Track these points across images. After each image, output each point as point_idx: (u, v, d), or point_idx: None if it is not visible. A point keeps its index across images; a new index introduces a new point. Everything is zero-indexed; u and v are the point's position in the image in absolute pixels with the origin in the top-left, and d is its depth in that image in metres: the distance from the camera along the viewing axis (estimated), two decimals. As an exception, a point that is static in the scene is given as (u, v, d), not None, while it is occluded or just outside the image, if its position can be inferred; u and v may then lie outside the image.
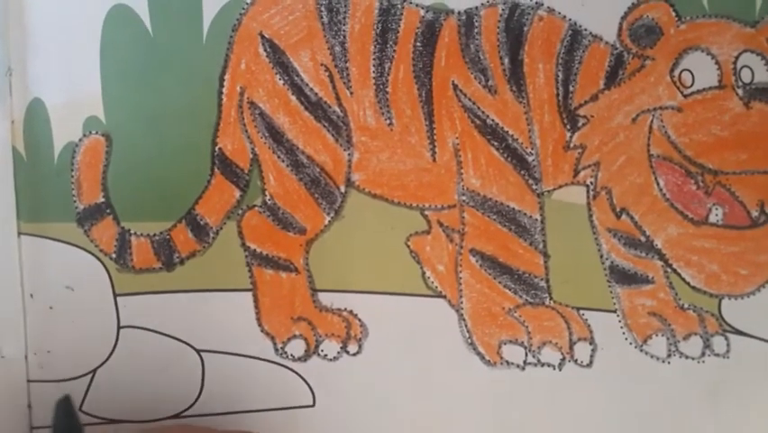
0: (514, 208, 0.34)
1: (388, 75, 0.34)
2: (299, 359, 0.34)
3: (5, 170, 0.33)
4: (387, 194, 0.34)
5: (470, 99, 0.34)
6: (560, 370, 0.35)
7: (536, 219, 0.34)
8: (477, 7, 0.34)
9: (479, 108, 0.34)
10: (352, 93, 0.34)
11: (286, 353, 0.34)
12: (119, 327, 0.33)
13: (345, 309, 0.34)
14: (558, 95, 0.34)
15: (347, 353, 0.34)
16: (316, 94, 0.34)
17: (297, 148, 0.34)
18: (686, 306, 0.35)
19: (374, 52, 0.34)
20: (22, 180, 0.33)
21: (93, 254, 0.33)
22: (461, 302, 0.34)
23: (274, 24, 0.33)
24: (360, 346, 0.34)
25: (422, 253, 0.34)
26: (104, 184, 0.33)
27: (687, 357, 0.35)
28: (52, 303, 0.33)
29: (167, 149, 0.33)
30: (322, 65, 0.33)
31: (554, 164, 0.34)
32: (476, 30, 0.34)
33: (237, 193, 0.34)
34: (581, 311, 0.35)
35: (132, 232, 0.33)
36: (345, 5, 0.33)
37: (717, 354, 0.35)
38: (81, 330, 0.33)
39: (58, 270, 0.33)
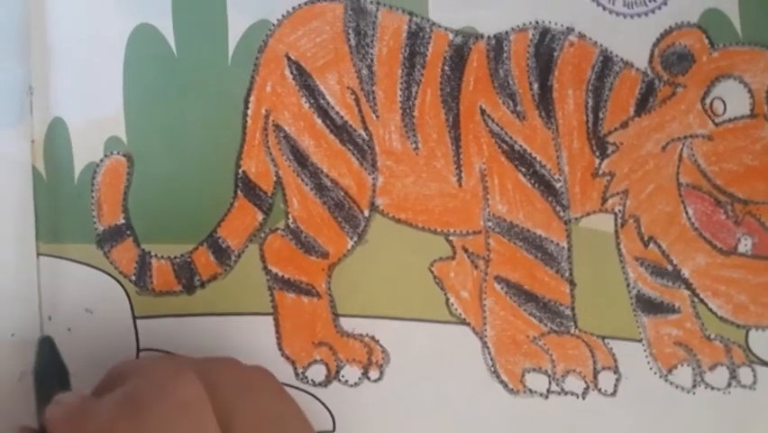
0: (540, 235, 0.35)
1: (415, 99, 0.35)
2: (320, 384, 0.35)
3: (25, 190, 0.33)
4: (411, 219, 0.35)
5: (497, 124, 0.35)
6: (583, 399, 0.35)
7: (563, 247, 0.35)
8: (507, 32, 0.35)
9: (506, 134, 0.35)
10: (378, 117, 0.34)
11: (306, 378, 0.35)
12: (138, 351, 0.34)
13: (367, 335, 0.35)
14: (587, 121, 0.35)
15: (368, 379, 0.35)
16: (342, 117, 0.34)
17: (322, 171, 0.34)
18: (712, 336, 0.36)
19: (401, 76, 0.34)
20: (41, 201, 0.34)
21: (112, 276, 0.34)
22: (485, 330, 0.35)
23: (301, 46, 0.34)
24: (381, 373, 0.35)
25: (446, 280, 0.35)
26: (124, 205, 0.34)
27: (713, 388, 0.36)
28: (71, 325, 0.34)
29: (189, 170, 0.34)
30: (348, 88, 0.34)
31: (582, 191, 0.35)
32: (505, 54, 0.35)
33: (260, 216, 0.34)
34: (606, 340, 0.35)
35: (152, 254, 0.34)
36: (373, 28, 0.34)
37: (744, 386, 0.36)
38: (100, 353, 0.34)
39: (77, 292, 0.34)
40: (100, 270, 0.34)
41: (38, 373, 0.28)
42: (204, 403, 0.24)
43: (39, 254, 0.34)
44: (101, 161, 0.34)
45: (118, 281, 0.34)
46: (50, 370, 0.28)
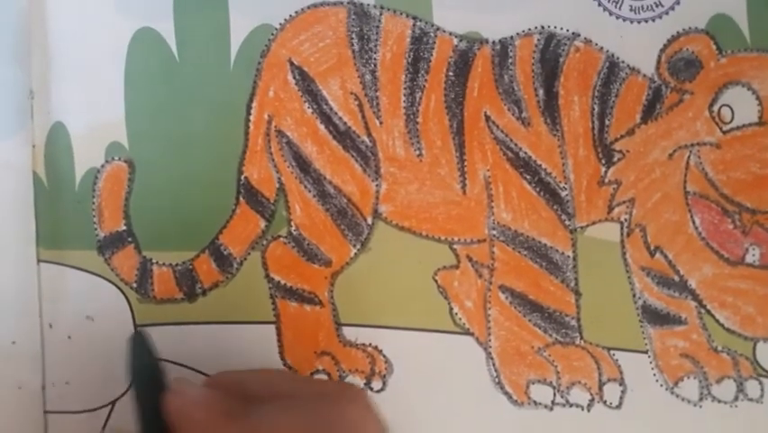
0: (546, 244, 0.35)
1: (419, 105, 0.34)
2: (322, 394, 0.34)
3: (26, 196, 0.33)
4: (415, 226, 0.35)
5: (502, 131, 0.34)
6: (588, 411, 0.35)
7: (568, 256, 0.35)
8: (512, 37, 0.35)
9: (511, 140, 0.35)
10: (381, 123, 0.34)
11: (308, 387, 0.34)
12: (139, 359, 0.34)
13: (370, 345, 0.35)
14: (593, 128, 0.35)
15: (371, 389, 0.35)
16: (345, 123, 0.34)
17: (325, 178, 0.34)
18: (719, 348, 0.35)
19: (405, 81, 0.34)
20: (42, 206, 0.34)
21: (113, 283, 0.34)
22: (490, 340, 0.35)
23: (303, 51, 0.34)
24: (384, 383, 0.35)
25: (450, 289, 0.35)
26: (125, 212, 0.34)
27: (719, 401, 0.35)
28: (71, 333, 0.34)
29: (191, 177, 0.34)
30: (351, 93, 0.34)
31: (588, 200, 0.35)
32: (510, 60, 0.34)
33: (262, 223, 0.34)
34: (612, 351, 0.35)
35: (153, 261, 0.34)
36: (377, 33, 0.34)
37: (751, 399, 0.35)
38: (101, 361, 0.34)
39: (77, 299, 0.34)
40: (101, 276, 0.34)
41: (135, 369, 0.27)
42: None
43: (39, 261, 0.34)
44: (102, 166, 0.34)
45: (119, 288, 0.34)
46: (148, 365, 0.27)
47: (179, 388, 0.26)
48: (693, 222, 0.35)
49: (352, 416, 0.25)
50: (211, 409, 0.25)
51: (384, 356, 0.35)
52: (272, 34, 0.34)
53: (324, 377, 0.35)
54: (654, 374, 0.35)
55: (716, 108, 0.35)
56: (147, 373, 0.27)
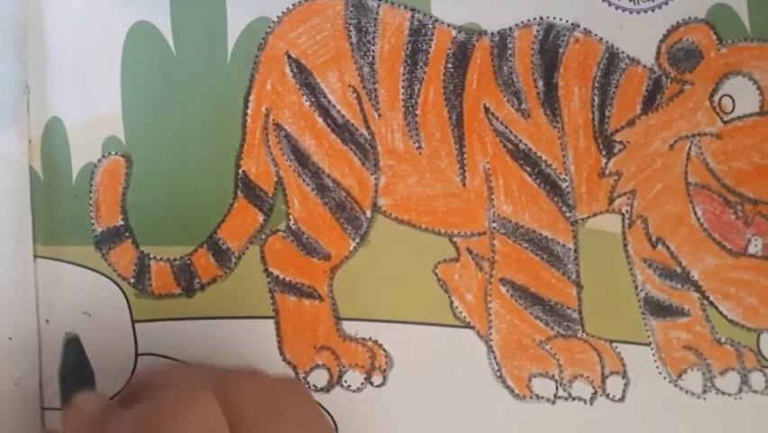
0: (546, 236, 0.35)
1: (418, 97, 0.34)
2: (322, 389, 0.35)
3: (22, 191, 0.34)
4: (414, 220, 0.35)
5: (502, 123, 0.34)
6: (591, 404, 0.35)
7: (569, 248, 0.35)
8: (511, 28, 0.35)
9: (511, 132, 0.35)
10: (380, 115, 0.34)
11: (308, 383, 0.35)
12: (137, 355, 0.34)
13: (370, 339, 0.35)
14: (593, 119, 0.35)
15: (371, 384, 0.35)
16: (343, 116, 0.34)
17: (323, 171, 0.34)
18: (723, 340, 0.35)
19: (404, 74, 0.34)
20: (38, 202, 0.34)
21: (111, 279, 0.34)
22: (491, 333, 0.35)
23: (301, 44, 0.34)
24: (384, 377, 0.35)
25: (450, 282, 0.35)
26: (123, 206, 0.34)
27: (723, 393, 0.35)
28: (68, 329, 0.34)
29: (188, 171, 0.34)
30: (350, 86, 0.34)
31: (589, 191, 0.35)
32: (509, 51, 0.34)
33: (260, 217, 0.34)
34: (614, 344, 0.35)
35: (151, 256, 0.34)
36: (375, 25, 0.34)
37: (755, 391, 0.35)
38: (98, 357, 0.34)
39: (74, 294, 0.34)
40: (98, 272, 0.34)
41: (62, 373, 0.29)
42: (220, 428, 0.24)
43: (36, 256, 0.34)
44: (99, 161, 0.34)
45: (117, 284, 0.34)
46: (74, 370, 0.29)
47: (80, 401, 0.28)
48: (695, 213, 0.35)
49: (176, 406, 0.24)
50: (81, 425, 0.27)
51: (384, 350, 0.35)
52: (269, 27, 0.34)
53: (324, 372, 0.35)
54: (657, 367, 0.35)
55: (716, 98, 0.35)
56: (73, 378, 0.29)
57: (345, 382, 0.35)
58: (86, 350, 0.33)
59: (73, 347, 0.30)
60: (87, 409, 0.27)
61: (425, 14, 0.35)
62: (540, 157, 0.35)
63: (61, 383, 0.29)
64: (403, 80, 0.35)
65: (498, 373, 0.35)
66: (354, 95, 0.34)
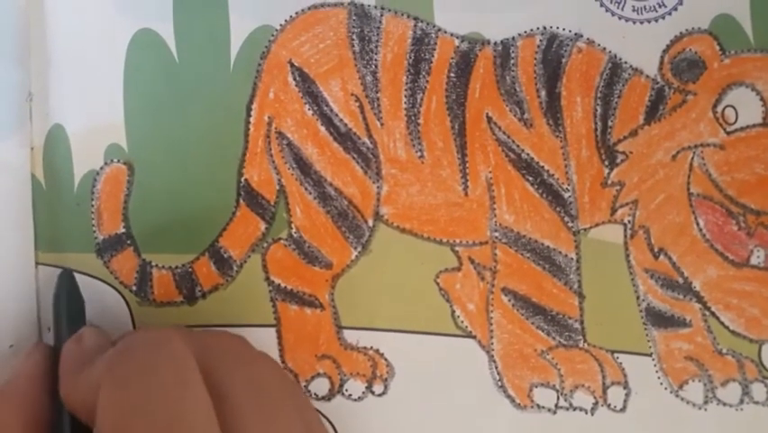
0: (549, 246, 0.35)
1: (421, 106, 0.34)
2: (323, 398, 0.35)
3: (24, 198, 0.34)
4: (416, 229, 0.35)
5: (504, 132, 0.35)
6: (592, 415, 0.35)
7: (572, 258, 0.35)
8: (514, 38, 0.35)
9: (513, 142, 0.35)
10: (382, 124, 0.34)
11: (309, 391, 0.35)
12: (138, 363, 0.34)
13: (371, 348, 0.35)
14: (596, 129, 0.35)
15: (372, 393, 0.35)
16: (346, 124, 0.34)
17: (325, 180, 0.34)
18: (725, 351, 0.35)
19: (406, 83, 0.34)
20: (40, 209, 0.34)
21: (113, 286, 0.34)
22: (492, 343, 0.35)
23: (304, 52, 0.34)
24: (385, 387, 0.35)
25: (452, 291, 0.35)
26: (124, 214, 0.34)
27: (725, 404, 0.35)
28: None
29: (190, 179, 0.34)
30: (352, 95, 0.34)
31: (591, 201, 0.35)
32: (512, 61, 0.34)
33: (262, 225, 0.34)
34: (616, 354, 0.35)
35: (153, 264, 0.34)
36: (378, 34, 0.34)
37: (757, 402, 0.35)
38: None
39: (76, 302, 0.34)
40: (100, 280, 0.34)
41: (56, 306, 0.32)
42: (190, 355, 0.26)
43: (38, 264, 0.34)
44: (101, 168, 0.34)
45: (118, 292, 0.34)
46: (67, 303, 0.32)
47: (83, 335, 0.30)
48: (697, 223, 0.35)
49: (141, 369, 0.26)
50: (79, 364, 0.28)
51: (385, 359, 0.35)
52: (272, 35, 0.34)
53: (326, 381, 0.35)
54: (659, 377, 0.35)
55: (719, 109, 0.35)
56: (64, 307, 0.32)
57: (346, 390, 0.35)
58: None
59: (66, 281, 0.32)
60: (86, 343, 0.29)
61: (428, 24, 0.35)
62: (542, 167, 0.35)
63: (54, 316, 0.32)
64: (406, 89, 0.35)
65: (500, 383, 0.35)
66: (357, 103, 0.34)
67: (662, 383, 0.36)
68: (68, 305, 0.32)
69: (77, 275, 0.34)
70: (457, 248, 0.35)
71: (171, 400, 0.24)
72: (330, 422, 0.35)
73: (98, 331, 0.31)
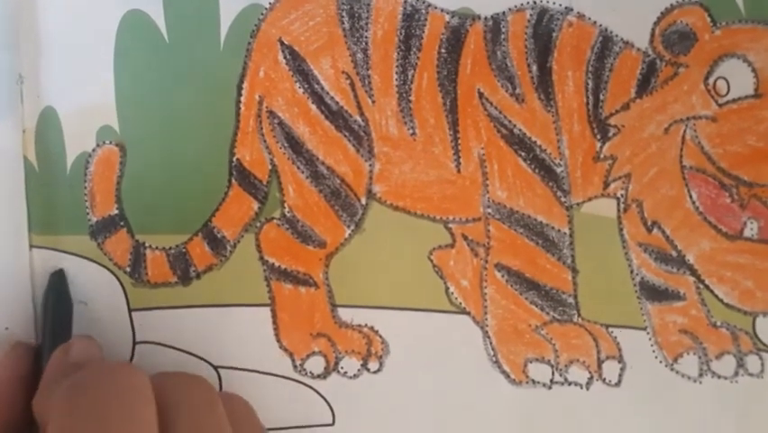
0: (541, 222, 0.35)
1: (412, 83, 0.34)
2: (318, 376, 0.35)
3: (17, 181, 0.34)
4: (409, 206, 0.35)
5: (496, 108, 0.35)
6: (587, 389, 0.35)
7: (565, 233, 0.35)
8: (504, 12, 0.35)
9: (505, 117, 0.35)
10: (373, 102, 0.34)
11: (305, 370, 0.35)
12: (134, 343, 0.34)
13: (366, 325, 0.35)
14: (588, 103, 0.35)
15: (368, 370, 0.35)
16: (337, 102, 0.34)
17: (317, 159, 0.34)
18: (719, 323, 0.36)
19: (397, 59, 0.34)
20: (33, 192, 0.34)
21: (107, 268, 0.34)
22: (486, 319, 0.35)
23: (294, 30, 0.34)
24: (381, 364, 0.35)
25: (445, 268, 0.35)
26: (117, 196, 0.34)
27: (719, 377, 0.36)
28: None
29: (183, 159, 0.34)
30: (343, 72, 0.34)
31: (584, 176, 0.35)
32: (503, 36, 0.35)
33: (255, 205, 0.34)
34: (610, 328, 0.35)
35: (146, 245, 0.34)
36: (368, 11, 0.34)
37: (751, 374, 0.36)
38: (95, 346, 0.34)
39: (71, 284, 0.34)
40: (94, 261, 0.34)
41: (45, 304, 0.32)
42: (145, 391, 0.26)
43: (32, 246, 0.34)
44: (93, 150, 0.34)
45: (113, 273, 0.34)
46: (55, 303, 0.32)
47: (70, 347, 0.31)
48: (690, 196, 0.35)
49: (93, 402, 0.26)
50: (56, 372, 0.29)
51: (380, 337, 0.35)
52: (262, 14, 0.34)
53: (321, 359, 0.35)
54: (654, 351, 0.36)
55: (711, 81, 0.35)
56: (53, 308, 0.32)
57: (342, 368, 0.35)
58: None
59: (56, 281, 0.33)
60: (73, 355, 0.30)
61: (417, 0, 0.35)
62: (534, 142, 0.35)
63: (42, 315, 0.32)
64: (396, 66, 0.35)
65: (494, 359, 0.35)
66: (348, 81, 0.35)
67: (656, 357, 0.36)
68: (55, 306, 0.32)
69: (69, 257, 0.34)
70: (450, 225, 0.35)
71: None
72: (326, 400, 0.35)
73: (88, 343, 0.32)
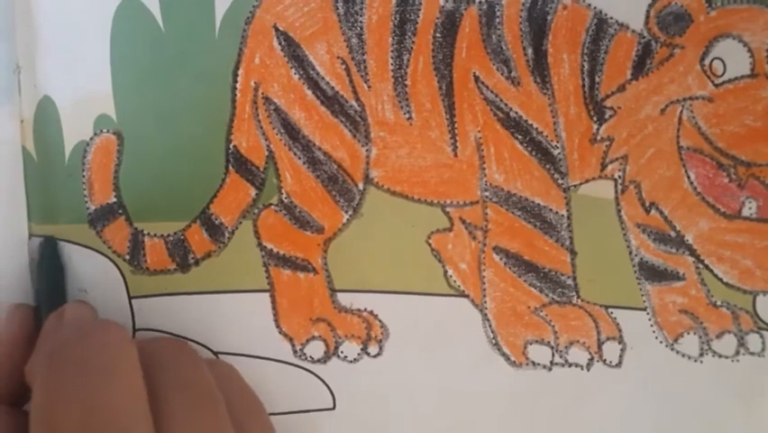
0: (539, 204, 0.35)
1: (407, 67, 0.35)
2: (319, 361, 0.35)
3: (16, 171, 0.34)
4: (407, 191, 0.35)
5: (492, 91, 0.35)
6: (588, 370, 0.35)
7: (562, 215, 0.35)
8: (498, -4, 0.35)
9: (501, 101, 0.35)
10: (369, 86, 0.35)
11: (305, 355, 0.35)
12: (135, 330, 0.34)
13: (365, 310, 0.35)
14: (584, 86, 0.35)
15: (367, 354, 0.35)
16: (333, 88, 0.34)
17: (314, 144, 0.35)
18: (719, 303, 0.36)
19: (392, 44, 0.35)
20: (32, 181, 0.34)
21: (106, 256, 0.34)
22: (485, 302, 0.35)
23: (288, 16, 0.34)
24: (380, 348, 0.35)
25: (444, 252, 0.35)
26: (115, 184, 0.35)
27: (720, 356, 0.36)
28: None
29: (179, 147, 0.34)
30: (338, 58, 0.34)
31: (581, 158, 0.35)
32: (498, 19, 0.35)
33: (252, 191, 0.35)
34: (610, 309, 0.36)
35: (145, 232, 0.34)
36: (362, -4, 0.34)
37: (752, 353, 0.36)
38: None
39: (70, 272, 0.34)
40: (93, 249, 0.35)
41: (38, 271, 0.33)
42: (125, 345, 0.26)
43: (31, 235, 0.34)
44: (91, 139, 0.34)
45: (112, 261, 0.35)
46: (48, 270, 0.33)
47: (67, 311, 0.31)
48: (688, 177, 0.36)
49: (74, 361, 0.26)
50: (50, 336, 0.30)
51: (380, 321, 0.35)
52: (257, 1, 0.34)
53: (321, 343, 0.35)
54: (654, 331, 0.36)
55: (707, 62, 0.35)
56: (46, 272, 0.33)
57: (342, 353, 0.35)
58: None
59: (47, 248, 0.33)
60: (67, 319, 0.31)
61: (411, -16, 0.35)
62: (531, 125, 0.35)
63: (37, 282, 0.33)
64: (392, 51, 0.35)
65: (494, 341, 0.35)
66: (343, 66, 0.35)
67: (657, 337, 0.36)
68: (47, 272, 0.33)
69: (69, 245, 0.34)
70: (448, 209, 0.36)
71: (97, 388, 0.25)
72: (326, 385, 0.35)
73: (81, 307, 0.33)
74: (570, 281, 0.36)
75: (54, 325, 0.30)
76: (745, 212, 0.36)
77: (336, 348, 0.35)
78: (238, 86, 0.35)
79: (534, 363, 0.36)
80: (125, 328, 0.28)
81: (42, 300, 0.32)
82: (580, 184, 0.36)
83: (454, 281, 0.36)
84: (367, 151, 0.35)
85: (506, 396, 0.36)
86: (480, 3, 0.35)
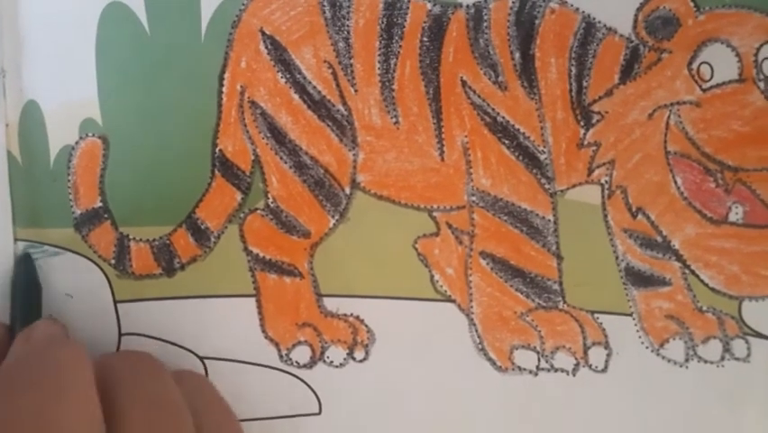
0: (526, 209, 0.35)
1: (394, 72, 0.35)
2: (305, 366, 0.35)
3: (1, 175, 0.34)
4: (393, 195, 0.35)
5: (479, 96, 0.35)
6: (574, 375, 0.36)
7: (549, 220, 0.35)
8: (486, 0, 0.35)
9: (488, 105, 0.35)
10: (356, 91, 0.35)
11: (291, 359, 0.35)
12: (120, 335, 0.35)
13: (351, 315, 0.35)
14: (571, 90, 0.35)
15: (354, 359, 0.35)
16: (320, 92, 0.34)
17: (300, 149, 0.35)
18: (705, 308, 0.36)
19: (379, 48, 0.35)
20: (17, 185, 0.34)
21: (92, 260, 0.34)
22: (472, 306, 0.35)
23: (275, 20, 0.34)
24: (367, 353, 0.35)
25: (430, 256, 0.35)
26: (101, 188, 0.35)
27: (706, 361, 0.36)
28: (51, 311, 0.35)
29: (165, 151, 0.35)
30: (325, 62, 0.34)
31: (568, 163, 0.35)
32: (485, 24, 0.35)
33: (238, 196, 0.35)
34: (596, 315, 0.36)
35: (130, 237, 0.35)
36: (349, 0, 0.34)
37: (738, 359, 0.36)
38: (81, 338, 0.34)
39: (56, 277, 0.34)
40: (79, 254, 0.35)
41: (13, 288, 0.33)
42: (79, 362, 0.26)
43: (16, 240, 0.34)
44: (76, 143, 0.34)
45: (98, 265, 0.35)
46: (24, 286, 0.33)
47: (35, 330, 0.31)
48: (675, 182, 0.36)
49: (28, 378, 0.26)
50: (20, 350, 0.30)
51: (366, 326, 0.35)
52: (243, 4, 0.34)
53: (307, 348, 0.35)
54: (640, 337, 0.36)
55: (695, 66, 0.35)
56: (22, 290, 0.33)
57: (328, 357, 0.35)
58: (69, 331, 0.34)
59: (25, 264, 0.33)
60: (35, 337, 0.31)
61: (398, -12, 0.35)
62: (518, 129, 0.35)
63: (11, 299, 0.33)
64: (379, 55, 0.35)
65: (480, 346, 0.36)
66: (330, 70, 0.35)
67: (643, 342, 0.36)
68: (23, 289, 0.33)
69: (57, 251, 0.34)
70: (435, 213, 0.36)
71: (48, 406, 0.24)
72: (312, 390, 0.35)
73: (51, 325, 0.32)
74: (556, 286, 0.36)
75: (21, 343, 0.30)
76: (732, 217, 0.36)
77: (322, 353, 0.35)
78: (224, 90, 0.35)
79: (520, 368, 0.36)
80: (84, 345, 0.28)
81: (17, 318, 0.32)
82: (567, 189, 0.36)
83: (441, 286, 0.36)
84: (354, 155, 0.35)
85: (492, 401, 0.36)
86: (467, 7, 0.35)
